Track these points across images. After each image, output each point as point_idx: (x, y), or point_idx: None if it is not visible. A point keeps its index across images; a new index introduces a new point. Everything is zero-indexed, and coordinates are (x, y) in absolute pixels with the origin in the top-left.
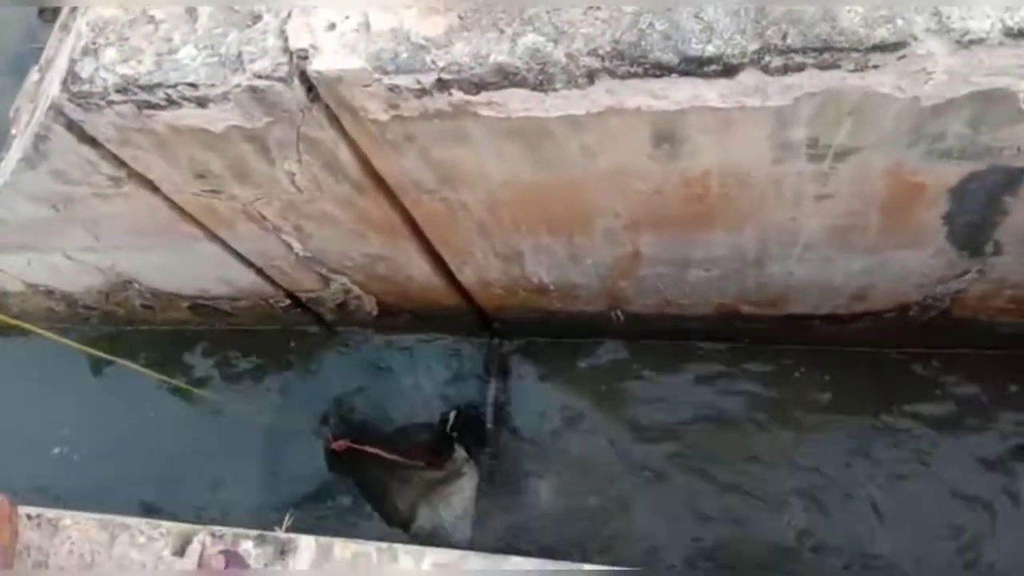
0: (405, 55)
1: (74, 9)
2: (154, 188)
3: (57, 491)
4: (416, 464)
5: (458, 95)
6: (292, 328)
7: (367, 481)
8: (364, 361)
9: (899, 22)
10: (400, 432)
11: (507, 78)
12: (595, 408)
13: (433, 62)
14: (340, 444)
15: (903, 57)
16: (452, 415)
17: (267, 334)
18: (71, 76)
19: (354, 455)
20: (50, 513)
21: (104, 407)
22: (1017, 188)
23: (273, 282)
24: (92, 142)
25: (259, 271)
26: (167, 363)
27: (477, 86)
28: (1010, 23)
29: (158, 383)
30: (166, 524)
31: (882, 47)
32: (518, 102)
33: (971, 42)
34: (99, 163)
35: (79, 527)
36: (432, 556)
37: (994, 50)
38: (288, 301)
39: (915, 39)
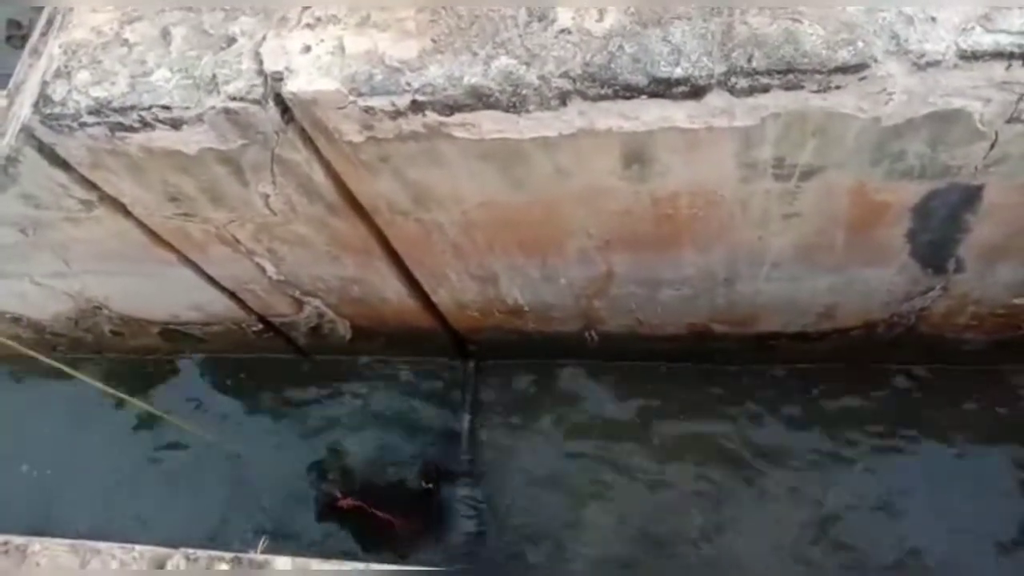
0: (380, 77)
1: (45, 33)
2: (126, 211)
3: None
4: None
5: (432, 117)
6: (265, 353)
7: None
8: (338, 388)
9: (860, 44)
10: (390, 489)
11: (480, 100)
12: (568, 430)
13: (407, 84)
14: (348, 503)
15: (864, 78)
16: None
17: (240, 360)
18: (43, 99)
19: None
20: (18, 540)
21: (72, 435)
22: (976, 206)
23: (246, 306)
24: (64, 165)
25: (232, 295)
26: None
27: (451, 108)
28: (964, 46)
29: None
30: (139, 548)
31: (844, 68)
32: (491, 124)
33: (928, 64)
34: (70, 186)
35: (49, 553)
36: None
37: (949, 72)
38: (261, 326)
39: (875, 61)
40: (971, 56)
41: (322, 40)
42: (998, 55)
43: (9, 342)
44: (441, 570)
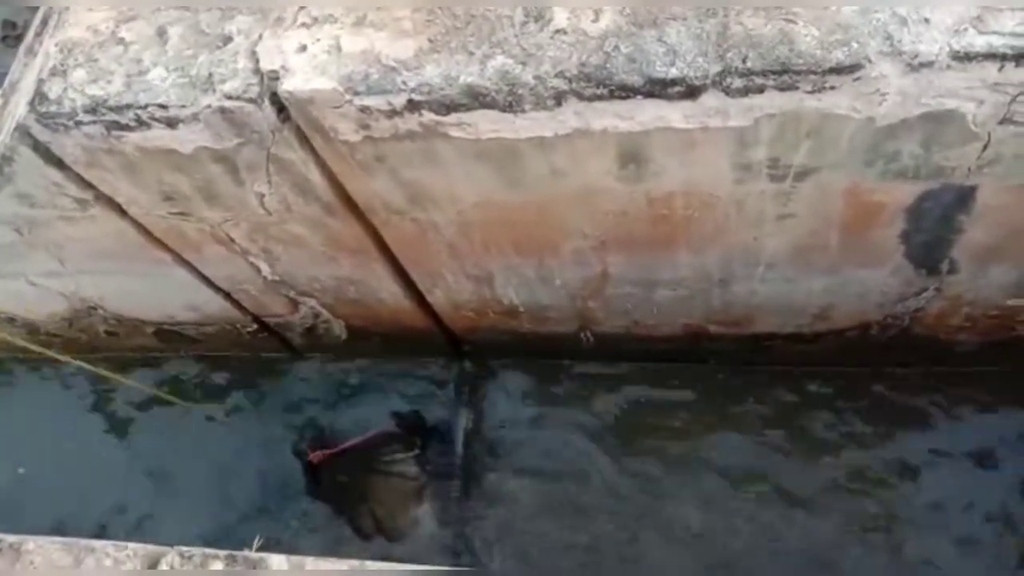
0: (376, 76)
1: (40, 32)
2: (121, 211)
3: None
4: (387, 448)
5: (428, 116)
6: (260, 354)
7: (342, 493)
8: (333, 388)
9: (854, 45)
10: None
11: (477, 99)
12: (565, 430)
13: (404, 83)
14: (318, 455)
15: (858, 79)
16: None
17: (235, 360)
18: (39, 97)
19: (329, 466)
20: (11, 538)
21: (70, 431)
22: (969, 207)
23: (241, 307)
24: (59, 164)
25: (227, 295)
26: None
27: (447, 107)
28: (957, 47)
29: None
30: (132, 546)
31: (838, 69)
32: (488, 123)
33: (921, 65)
34: (65, 185)
35: (43, 551)
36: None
37: (943, 73)
38: (256, 326)
39: (869, 61)
40: (964, 57)
41: (318, 39)
42: (991, 56)
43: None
44: (443, 570)
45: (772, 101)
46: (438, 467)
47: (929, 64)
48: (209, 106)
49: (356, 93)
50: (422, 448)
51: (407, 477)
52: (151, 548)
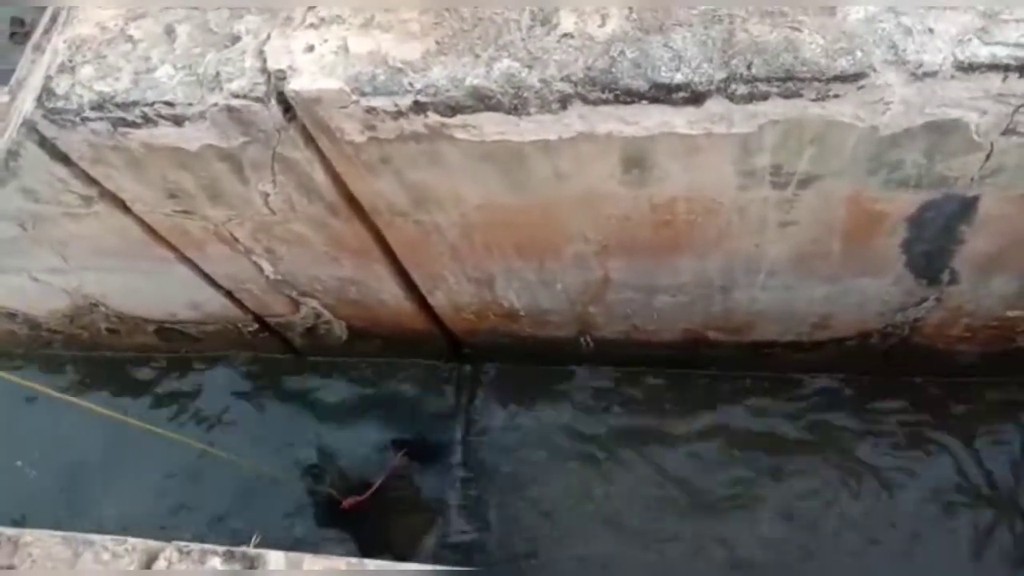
0: (382, 77)
1: (49, 29)
2: (125, 208)
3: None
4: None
5: (434, 118)
6: (260, 354)
7: (368, 539)
8: (333, 389)
9: (858, 53)
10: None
11: (482, 102)
12: (563, 436)
13: (410, 85)
14: (350, 502)
15: (862, 87)
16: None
17: (235, 359)
18: (46, 93)
19: (359, 511)
20: (10, 531)
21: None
22: (971, 217)
23: (242, 306)
24: (65, 159)
25: (228, 294)
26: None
27: (453, 109)
28: (961, 57)
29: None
30: (131, 540)
31: (842, 77)
32: (493, 126)
33: (925, 74)
34: (71, 181)
35: (41, 544)
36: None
37: (946, 82)
38: (257, 326)
39: (874, 70)
40: (968, 67)
41: (326, 40)
42: (994, 67)
43: None
44: (442, 569)
45: (776, 108)
46: (444, 481)
47: (933, 74)
48: (216, 104)
49: (362, 94)
50: (431, 464)
51: (422, 509)
52: (150, 543)
